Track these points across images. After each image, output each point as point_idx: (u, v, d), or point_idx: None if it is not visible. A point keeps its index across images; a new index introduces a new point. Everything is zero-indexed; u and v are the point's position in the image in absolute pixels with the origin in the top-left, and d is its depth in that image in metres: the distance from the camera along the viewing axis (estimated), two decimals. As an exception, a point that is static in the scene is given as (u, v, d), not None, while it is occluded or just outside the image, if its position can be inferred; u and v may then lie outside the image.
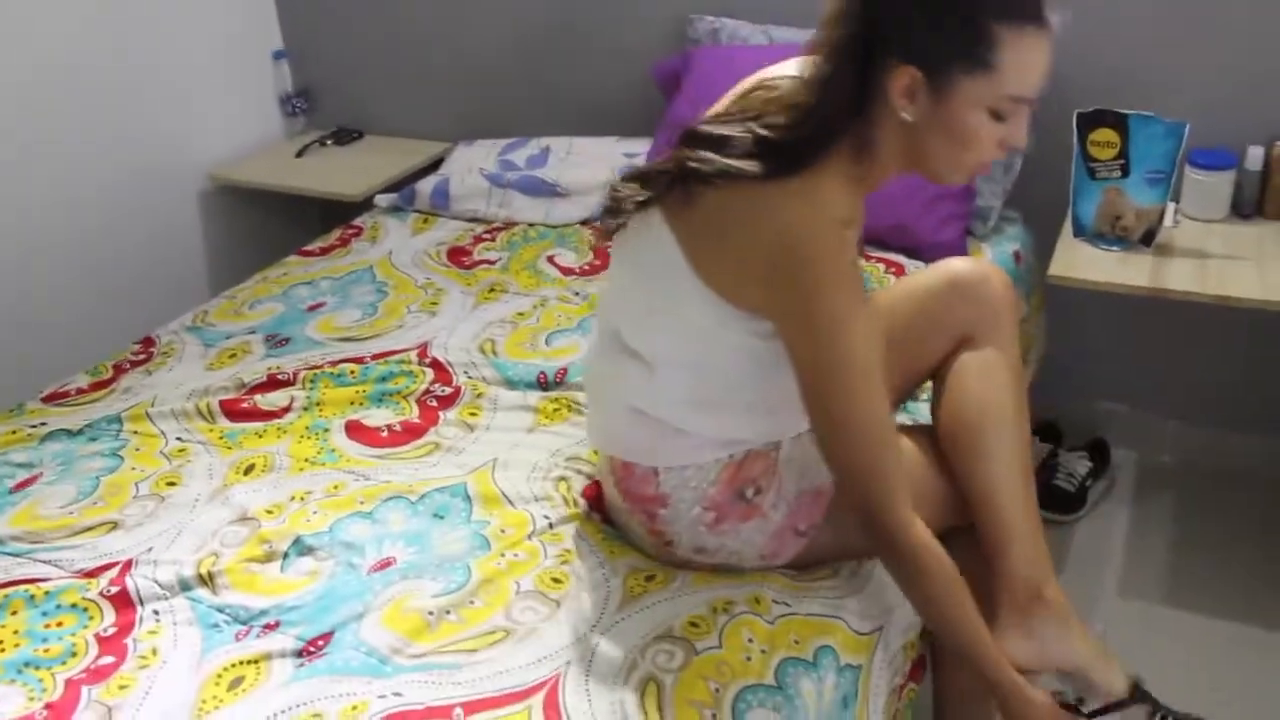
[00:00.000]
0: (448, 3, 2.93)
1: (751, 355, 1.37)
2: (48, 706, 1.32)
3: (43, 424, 1.92)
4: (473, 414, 1.87)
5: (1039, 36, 1.24)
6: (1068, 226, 2.18)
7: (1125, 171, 2.09)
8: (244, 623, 1.43)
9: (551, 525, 1.57)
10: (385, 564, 1.51)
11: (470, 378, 1.95)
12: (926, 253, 2.21)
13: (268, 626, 1.42)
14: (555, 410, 1.85)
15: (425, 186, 2.70)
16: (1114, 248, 2.13)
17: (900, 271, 2.19)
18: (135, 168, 2.84)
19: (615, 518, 1.58)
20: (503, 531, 1.55)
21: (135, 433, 1.87)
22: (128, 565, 1.54)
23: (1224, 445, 2.55)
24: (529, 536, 1.54)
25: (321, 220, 2.99)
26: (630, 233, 1.39)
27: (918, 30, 1.22)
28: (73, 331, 2.68)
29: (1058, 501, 2.41)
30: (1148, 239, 2.11)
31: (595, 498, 1.62)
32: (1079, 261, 2.08)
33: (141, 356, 2.13)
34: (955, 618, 1.36)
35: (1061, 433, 2.56)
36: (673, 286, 1.34)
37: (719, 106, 1.39)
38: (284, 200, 2.99)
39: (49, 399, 2.01)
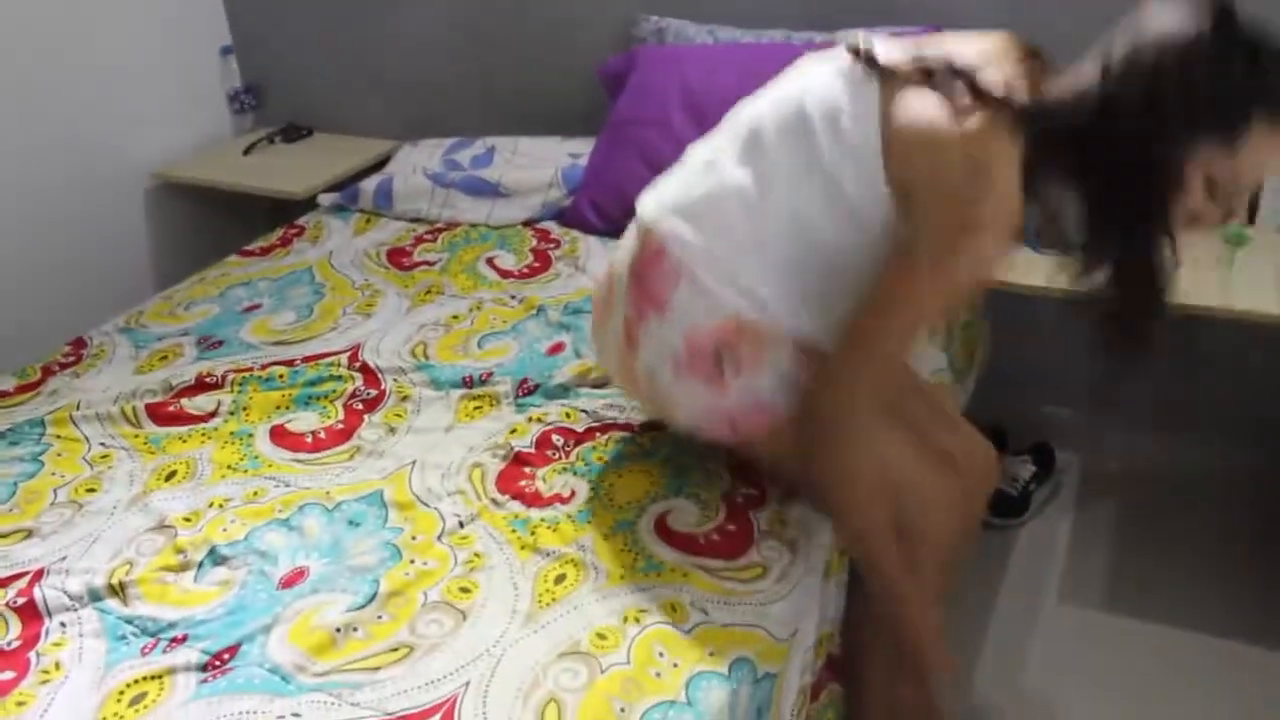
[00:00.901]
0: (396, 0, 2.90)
1: (841, 247, 1.41)
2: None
3: (-39, 429, 1.89)
4: (397, 416, 1.85)
5: None
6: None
7: (1065, 176, 2.08)
8: (152, 634, 1.41)
9: (461, 524, 1.55)
10: (298, 575, 1.49)
11: (398, 381, 1.93)
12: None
13: (175, 640, 1.39)
14: (476, 408, 1.84)
15: (369, 186, 2.67)
16: (1052, 251, 2.11)
17: None
18: (75, 165, 2.80)
19: (594, 312, 1.66)
20: (414, 539, 1.53)
21: (58, 437, 1.83)
22: (38, 575, 1.52)
23: (1168, 450, 2.54)
24: (438, 538, 1.52)
25: (268, 219, 2.95)
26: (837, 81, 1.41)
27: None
28: (8, 333, 2.64)
29: (1001, 506, 2.40)
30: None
31: (514, 491, 1.62)
32: (1018, 265, 2.07)
33: (71, 359, 2.10)
34: (869, 526, 1.48)
35: (1006, 436, 2.56)
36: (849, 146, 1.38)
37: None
38: (231, 198, 2.96)
39: (-28, 401, 1.98)
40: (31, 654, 1.39)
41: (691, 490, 1.62)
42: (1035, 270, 2.05)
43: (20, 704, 1.31)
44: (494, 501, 1.61)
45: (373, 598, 1.42)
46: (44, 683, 1.34)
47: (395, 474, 1.68)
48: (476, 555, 1.49)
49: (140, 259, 3.00)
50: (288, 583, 1.48)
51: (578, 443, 1.74)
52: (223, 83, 3.14)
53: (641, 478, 1.65)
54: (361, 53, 3.02)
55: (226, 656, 1.36)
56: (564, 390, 1.87)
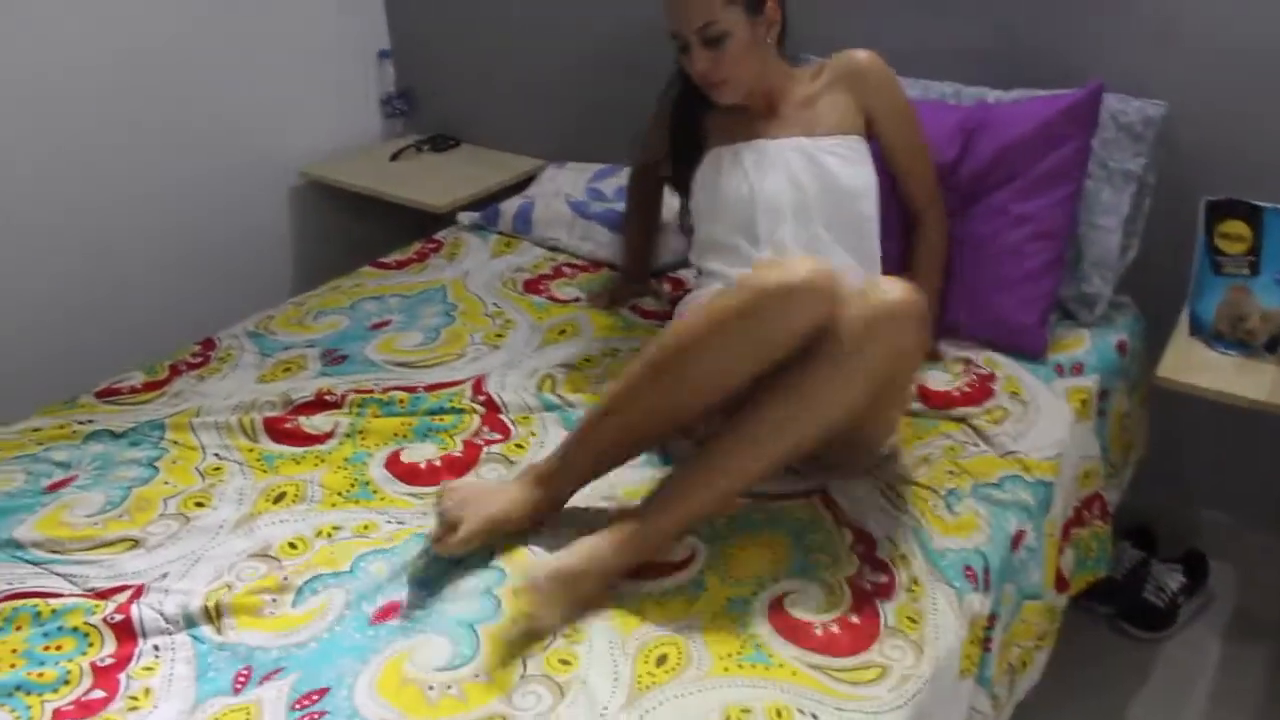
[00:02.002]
0: (558, 15, 2.85)
1: None
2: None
3: (90, 421, 1.89)
4: (519, 448, 1.78)
5: None
6: (1184, 322, 2.00)
7: (1255, 269, 1.90)
8: (244, 662, 1.37)
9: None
10: (392, 609, 1.44)
11: (523, 419, 1.86)
12: (1006, 339, 2.04)
13: (265, 677, 1.34)
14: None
15: (509, 208, 2.62)
16: (1233, 352, 1.94)
17: (980, 387, 1.94)
18: (225, 160, 2.84)
19: None
20: (515, 592, 1.45)
21: (175, 443, 1.82)
22: (138, 591, 1.49)
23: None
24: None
25: (411, 228, 2.93)
26: None
27: None
28: (144, 324, 2.67)
29: (1145, 617, 2.22)
30: (1273, 345, 1.92)
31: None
32: (1192, 364, 1.90)
33: (199, 360, 2.10)
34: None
35: (1156, 541, 2.37)
36: None
37: None
38: (374, 203, 2.95)
39: (102, 394, 1.99)
40: (122, 675, 1.37)
41: (818, 572, 1.51)
42: (1209, 370, 1.88)
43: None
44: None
45: (471, 658, 1.35)
46: (131, 709, 1.31)
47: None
48: (577, 630, 1.41)
49: (282, 257, 3.03)
50: (381, 616, 1.43)
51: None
52: (377, 87, 3.14)
53: (765, 551, 1.55)
54: (515, 66, 2.99)
55: (316, 697, 1.30)
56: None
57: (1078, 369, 2.02)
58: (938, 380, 1.96)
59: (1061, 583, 1.84)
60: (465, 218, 2.68)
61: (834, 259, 1.81)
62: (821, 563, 1.53)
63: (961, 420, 1.86)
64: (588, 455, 1.58)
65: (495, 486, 1.56)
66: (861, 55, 1.96)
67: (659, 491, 1.53)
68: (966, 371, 1.98)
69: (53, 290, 2.55)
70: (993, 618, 1.56)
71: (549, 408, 1.89)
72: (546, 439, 1.81)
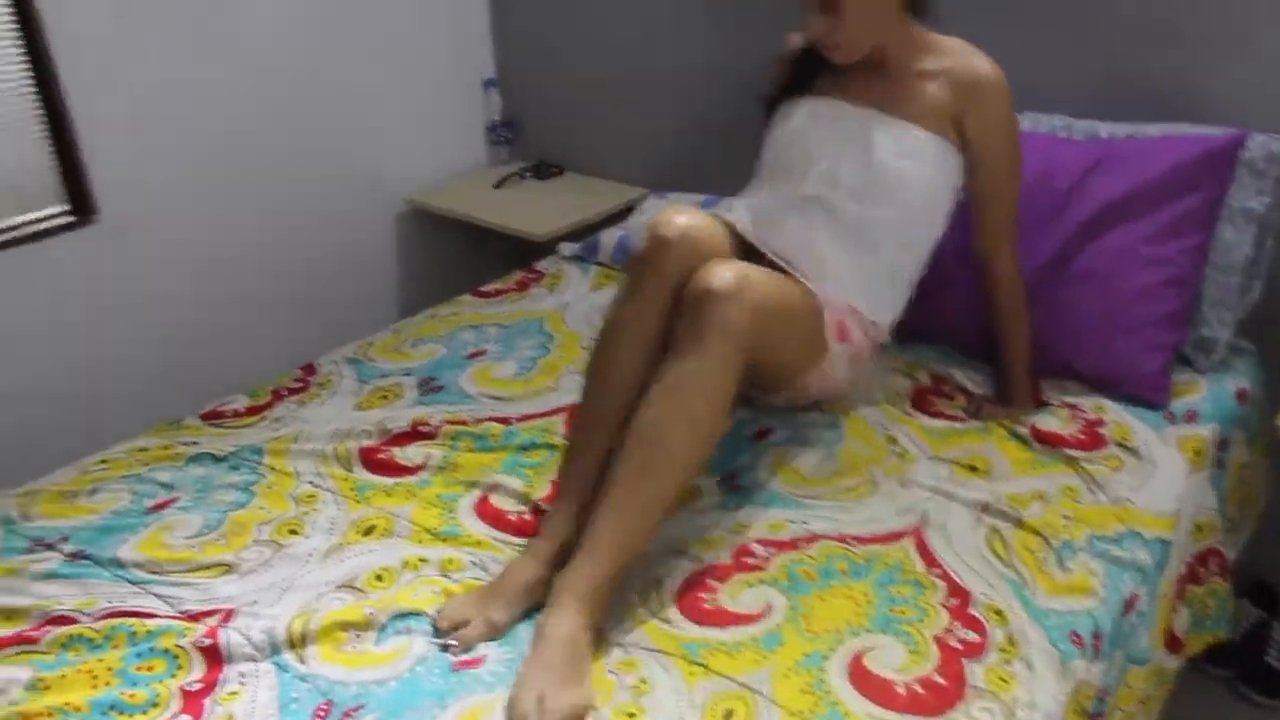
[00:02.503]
0: (662, 44, 2.85)
1: None
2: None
3: (194, 443, 1.94)
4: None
5: None
6: (1309, 370, 1.90)
7: (1387, 317, 1.80)
8: (324, 695, 1.38)
9: (625, 649, 1.45)
10: (475, 661, 1.43)
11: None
12: (1126, 385, 1.96)
13: (346, 713, 1.35)
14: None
15: (609, 239, 2.62)
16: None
17: (1090, 434, 1.88)
18: (332, 185, 2.91)
19: None
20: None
21: (272, 469, 1.86)
22: (228, 615, 1.52)
23: None
24: (608, 663, 1.43)
25: (512, 256, 2.97)
26: None
27: None
28: (249, 348, 2.76)
29: (1266, 681, 2.11)
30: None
31: (695, 613, 1.50)
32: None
33: (300, 385, 2.14)
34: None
35: (1277, 600, 2.25)
36: None
37: None
38: (478, 230, 2.99)
39: (207, 417, 2.05)
40: (208, 700, 1.39)
41: (902, 626, 1.47)
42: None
43: (187, 758, 1.30)
44: (666, 620, 1.50)
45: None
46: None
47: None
48: (643, 682, 1.39)
49: (386, 284, 3.09)
50: (464, 664, 1.42)
51: (781, 551, 1.62)
52: (483, 115, 3.19)
53: (846, 603, 1.51)
54: (618, 94, 3.00)
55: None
56: (775, 498, 1.74)
57: (1191, 416, 1.93)
58: (1047, 422, 1.90)
59: (1175, 643, 1.76)
60: (566, 248, 2.69)
61: (820, 241, 1.84)
62: (907, 616, 1.48)
63: (1074, 463, 1.80)
64: (563, 504, 1.62)
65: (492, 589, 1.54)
66: (984, 66, 1.85)
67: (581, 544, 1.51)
68: (1074, 418, 1.92)
69: (165, 312, 2.64)
70: (1103, 690, 1.49)
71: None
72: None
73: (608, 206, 2.90)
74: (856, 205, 1.84)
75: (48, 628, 1.51)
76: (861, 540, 1.64)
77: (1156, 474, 1.80)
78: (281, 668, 1.43)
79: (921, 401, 2.00)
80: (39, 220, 2.43)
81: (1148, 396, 1.94)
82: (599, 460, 1.61)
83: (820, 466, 1.82)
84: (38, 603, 1.55)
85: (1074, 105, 2.23)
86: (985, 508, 1.69)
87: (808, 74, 1.97)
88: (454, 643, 1.45)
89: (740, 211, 1.91)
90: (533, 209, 2.92)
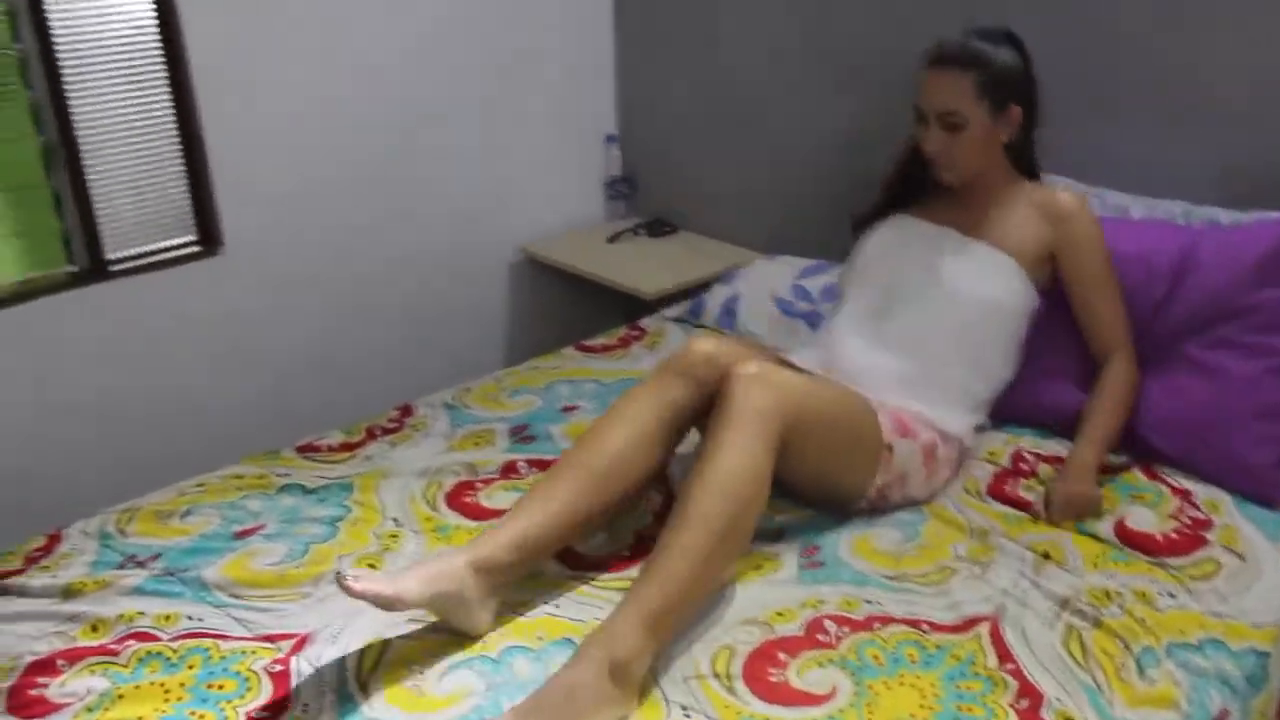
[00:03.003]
0: (781, 105, 2.86)
1: None
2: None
3: (287, 474, 2.01)
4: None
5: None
6: None
7: None
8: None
9: (688, 715, 1.43)
10: None
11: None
12: (1236, 479, 1.87)
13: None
14: (756, 567, 1.72)
15: (714, 302, 2.63)
16: None
17: (1192, 535, 1.79)
18: (452, 229, 3.00)
19: None
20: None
21: (359, 504, 1.91)
22: (301, 643, 1.56)
23: None
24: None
25: (621, 312, 3.00)
26: None
27: None
28: (360, 382, 2.85)
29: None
30: None
31: (761, 686, 1.47)
32: None
33: (394, 425, 2.20)
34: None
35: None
36: None
37: None
38: (589, 284, 3.03)
39: (302, 449, 2.12)
40: (269, 729, 1.42)
41: (968, 723, 1.42)
42: None
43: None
44: (731, 690, 1.47)
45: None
46: (271, 764, 1.36)
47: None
48: (696, 748, 1.37)
49: (496, 331, 3.16)
50: (515, 722, 1.43)
51: (853, 631, 1.58)
52: (602, 170, 3.24)
53: (912, 694, 1.46)
54: (736, 154, 3.02)
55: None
56: (853, 574, 1.71)
57: (1309, 518, 1.83)
58: (1142, 518, 1.82)
59: (1273, 768, 1.66)
60: (670, 309, 2.71)
61: (881, 354, 1.96)
62: (975, 716, 1.43)
63: (1160, 566, 1.72)
64: (511, 522, 1.64)
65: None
66: (1067, 198, 2.02)
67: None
68: (1180, 513, 1.83)
69: (275, 344, 2.75)
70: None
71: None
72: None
73: (717, 268, 2.90)
74: (919, 319, 1.98)
75: (130, 642, 1.57)
76: (936, 627, 1.59)
77: (1261, 581, 1.71)
78: (343, 700, 1.46)
79: (999, 487, 1.94)
80: (171, 249, 2.56)
81: (1258, 492, 1.86)
82: (560, 497, 1.66)
83: (901, 547, 1.79)
84: (123, 615, 1.62)
85: (1194, 193, 2.16)
86: (1065, 603, 1.63)
87: (898, 199, 2.16)
88: (351, 573, 1.46)
89: (800, 350, 2.04)
90: (644, 266, 2.96)
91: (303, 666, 1.51)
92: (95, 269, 2.44)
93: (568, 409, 2.24)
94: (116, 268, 2.47)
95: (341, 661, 1.51)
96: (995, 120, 1.96)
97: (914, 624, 1.60)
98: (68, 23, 2.30)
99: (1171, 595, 1.66)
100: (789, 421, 1.65)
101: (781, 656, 1.53)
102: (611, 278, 2.90)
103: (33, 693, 1.49)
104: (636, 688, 1.45)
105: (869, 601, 1.65)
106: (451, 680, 1.49)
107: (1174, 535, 1.79)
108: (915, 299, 1.99)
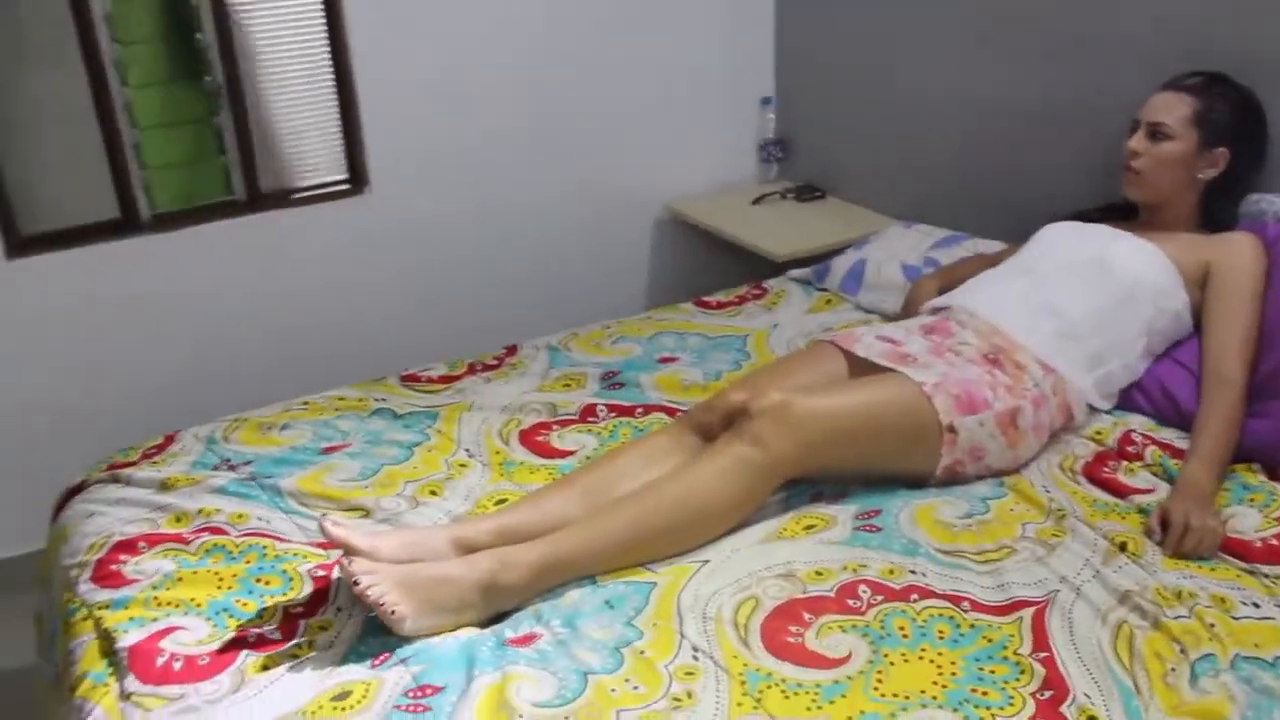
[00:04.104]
0: (938, 73, 2.75)
1: None
2: (209, 654, 1.46)
3: (383, 400, 2.12)
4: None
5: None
6: None
7: None
8: (389, 648, 1.46)
9: (695, 656, 1.43)
10: (529, 639, 1.47)
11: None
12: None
13: (400, 660, 1.43)
14: (809, 526, 1.69)
15: (840, 265, 2.57)
16: None
17: None
18: (598, 184, 3.06)
19: None
20: (642, 653, 1.43)
21: (439, 432, 1.99)
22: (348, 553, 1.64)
23: None
24: (665, 664, 1.41)
25: (755, 272, 2.97)
26: None
27: None
28: (488, 323, 2.95)
29: None
30: None
31: (776, 642, 1.45)
32: None
33: (495, 363, 2.27)
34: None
35: None
36: None
37: None
38: (729, 244, 3.02)
39: (405, 378, 2.22)
40: (302, 623, 1.52)
41: (976, 709, 1.34)
42: None
43: (266, 668, 1.43)
44: (745, 642, 1.46)
45: (570, 701, 1.36)
46: (294, 656, 1.45)
47: (680, 568, 1.60)
48: (688, 694, 1.37)
49: (635, 283, 3.20)
50: (517, 641, 1.47)
51: (886, 600, 1.53)
52: (756, 132, 3.21)
53: (928, 670, 1.41)
54: (886, 121, 2.93)
55: (429, 691, 1.37)
56: (906, 544, 1.65)
57: None
58: (1246, 520, 1.69)
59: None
60: (797, 272, 2.67)
61: (1020, 301, 2.02)
62: (988, 700, 1.36)
63: (1254, 573, 1.58)
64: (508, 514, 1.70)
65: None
66: (1241, 234, 2.04)
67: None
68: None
69: (414, 282, 2.90)
70: None
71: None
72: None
73: (856, 234, 2.83)
74: (1070, 281, 2.02)
75: (203, 534, 1.71)
76: (977, 606, 1.52)
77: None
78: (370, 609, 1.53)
79: (1096, 468, 1.83)
80: (323, 186, 2.73)
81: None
82: (550, 505, 1.70)
83: (966, 521, 1.71)
84: (203, 510, 1.76)
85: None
86: (1125, 597, 1.52)
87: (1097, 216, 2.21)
88: (332, 519, 1.56)
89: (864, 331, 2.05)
90: (782, 229, 2.92)
91: (343, 579, 1.60)
92: (252, 200, 2.63)
93: (665, 360, 2.25)
94: (271, 200, 2.66)
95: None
96: (1200, 153, 2.00)
97: (955, 600, 1.53)
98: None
99: (1256, 605, 1.52)
100: (811, 450, 1.71)
101: (806, 615, 1.50)
102: (746, 238, 2.88)
103: (113, 567, 1.65)
104: (490, 610, 1.53)
105: (913, 572, 1.59)
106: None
107: (1275, 541, 1.64)
108: (1068, 266, 2.05)
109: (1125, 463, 1.84)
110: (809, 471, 1.76)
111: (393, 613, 1.44)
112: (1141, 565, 1.59)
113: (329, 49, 2.63)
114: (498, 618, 1.53)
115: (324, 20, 2.61)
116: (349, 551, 1.50)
